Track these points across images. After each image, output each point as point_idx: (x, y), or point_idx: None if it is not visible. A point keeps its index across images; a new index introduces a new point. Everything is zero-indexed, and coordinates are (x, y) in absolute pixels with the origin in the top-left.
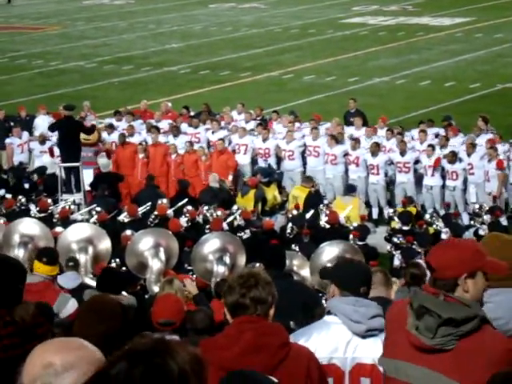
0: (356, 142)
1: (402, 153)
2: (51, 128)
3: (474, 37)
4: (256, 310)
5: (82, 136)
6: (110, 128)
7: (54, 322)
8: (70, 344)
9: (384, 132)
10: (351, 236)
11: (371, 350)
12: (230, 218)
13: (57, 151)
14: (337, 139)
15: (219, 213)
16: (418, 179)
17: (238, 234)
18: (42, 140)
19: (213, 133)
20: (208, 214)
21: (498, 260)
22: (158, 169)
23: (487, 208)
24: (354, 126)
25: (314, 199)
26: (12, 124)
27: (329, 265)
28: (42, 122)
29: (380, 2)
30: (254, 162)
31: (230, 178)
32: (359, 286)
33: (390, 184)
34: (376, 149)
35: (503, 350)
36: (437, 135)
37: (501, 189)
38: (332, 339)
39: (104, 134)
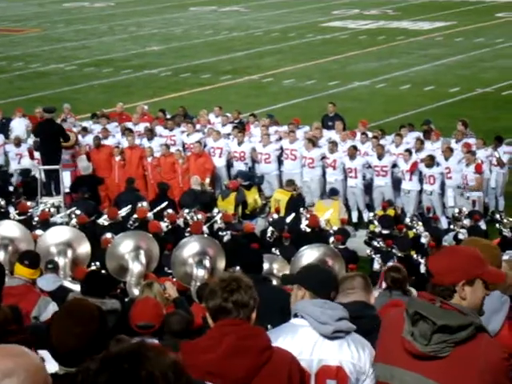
0: (333, 145)
1: (380, 156)
2: (35, 134)
3: (454, 41)
4: (239, 313)
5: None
6: (84, 131)
7: (23, 325)
8: (11, 351)
9: (359, 136)
10: (332, 239)
11: (337, 352)
12: (211, 221)
13: (36, 153)
14: (314, 142)
15: (199, 216)
16: (396, 183)
17: (220, 234)
18: (18, 143)
19: (188, 135)
20: (188, 217)
21: (498, 269)
22: (134, 171)
23: (466, 212)
24: (335, 130)
25: (297, 202)
26: None
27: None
28: (18, 125)
29: (360, 6)
30: (229, 165)
31: (208, 180)
32: (331, 291)
33: (368, 187)
34: (354, 152)
35: (498, 359)
36: (418, 139)
37: (478, 189)
38: (298, 341)
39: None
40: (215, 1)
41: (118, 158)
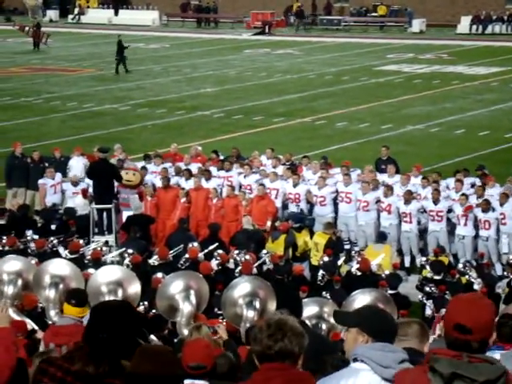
0: (388, 188)
1: (436, 201)
2: (89, 175)
3: (510, 86)
4: (283, 360)
5: (125, 177)
6: (143, 170)
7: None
8: None
9: (418, 180)
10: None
11: None
12: (259, 262)
13: (90, 192)
14: (370, 185)
15: (248, 256)
16: (452, 228)
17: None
18: (75, 182)
19: (245, 177)
20: (238, 258)
21: None
22: (200, 213)
23: None
24: (387, 174)
25: (334, 245)
26: (46, 165)
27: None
28: (76, 164)
29: (415, 50)
30: (284, 206)
31: (269, 223)
32: (394, 337)
33: (423, 232)
34: (409, 196)
35: None
36: (473, 185)
37: None
38: None
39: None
40: (269, 43)
41: (183, 200)
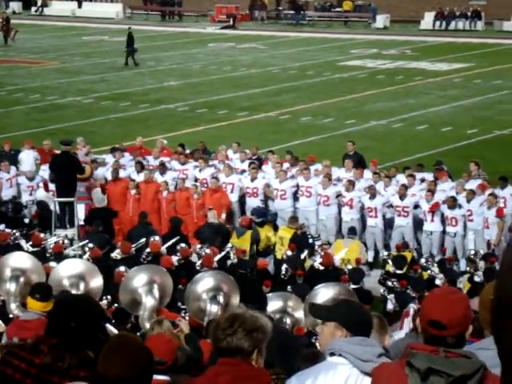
0: (350, 183)
1: (402, 197)
2: (51, 168)
3: (473, 83)
4: (234, 356)
5: None
6: (95, 163)
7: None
8: None
9: (371, 175)
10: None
11: None
12: (222, 254)
13: (51, 185)
14: (330, 179)
15: (208, 250)
16: (418, 224)
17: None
18: (31, 177)
19: (200, 170)
20: (202, 253)
21: None
22: (149, 205)
23: (482, 254)
24: (345, 169)
25: (299, 240)
26: None
27: (325, 304)
28: (27, 157)
29: (379, 45)
30: (242, 200)
31: (224, 216)
32: (370, 331)
33: (388, 227)
34: (374, 191)
35: None
36: (423, 180)
37: (500, 237)
38: (339, 380)
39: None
40: (234, 37)
41: (133, 192)
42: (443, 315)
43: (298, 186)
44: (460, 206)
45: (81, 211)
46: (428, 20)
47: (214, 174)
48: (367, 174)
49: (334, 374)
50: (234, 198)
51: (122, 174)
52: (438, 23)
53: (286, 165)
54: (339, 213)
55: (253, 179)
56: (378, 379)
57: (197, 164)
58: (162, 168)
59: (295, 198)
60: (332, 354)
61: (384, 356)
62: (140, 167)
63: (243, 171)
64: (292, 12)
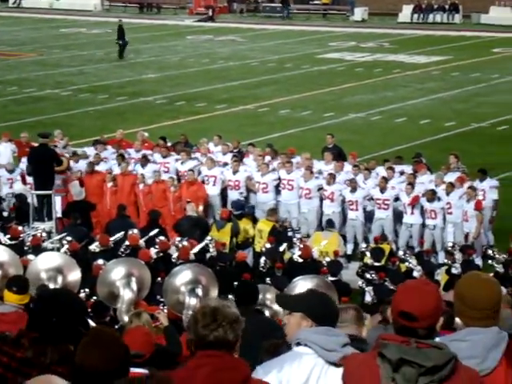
0: (331, 177)
1: (382, 190)
2: (29, 161)
3: (451, 75)
4: (219, 348)
5: None
6: (76, 156)
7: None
8: None
9: (351, 168)
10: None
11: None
12: (200, 246)
13: (29, 178)
14: (312, 172)
15: (185, 243)
16: (398, 216)
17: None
18: (10, 169)
19: (182, 163)
20: (180, 245)
21: None
22: (126, 198)
23: (460, 246)
24: (324, 161)
25: (278, 233)
26: None
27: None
28: (4, 150)
29: (357, 38)
30: (224, 193)
31: (201, 208)
32: (336, 322)
33: (368, 220)
34: (355, 185)
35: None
36: (402, 173)
37: (479, 230)
38: (304, 369)
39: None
40: (212, 30)
41: (110, 185)
42: (414, 307)
43: (279, 179)
44: (439, 199)
45: (58, 204)
46: (406, 13)
47: (197, 167)
48: (347, 166)
49: (300, 364)
50: (216, 190)
51: (104, 166)
52: (416, 16)
53: (267, 158)
54: (321, 206)
55: (235, 172)
56: (349, 369)
57: (178, 157)
58: (144, 160)
59: (277, 191)
60: (298, 344)
61: (349, 346)
62: (122, 160)
63: (225, 164)
64: (271, 5)
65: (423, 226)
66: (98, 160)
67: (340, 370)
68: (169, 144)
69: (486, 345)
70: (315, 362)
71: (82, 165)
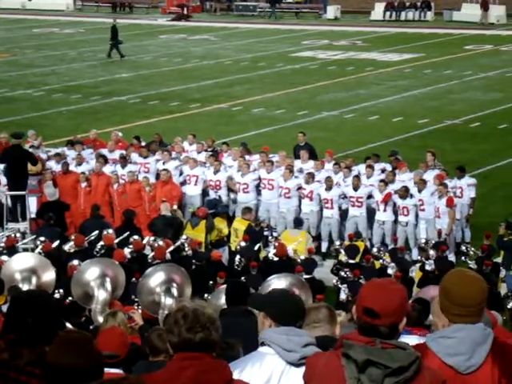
0: (310, 175)
1: (356, 188)
2: (2, 161)
3: (423, 73)
4: (202, 350)
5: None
6: (58, 156)
7: None
8: None
9: (331, 166)
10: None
11: None
12: (175, 245)
13: (2, 179)
14: (292, 172)
15: (161, 242)
16: (371, 214)
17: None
18: None
19: (164, 163)
20: (155, 245)
21: None
22: (100, 198)
23: (433, 243)
24: (301, 160)
25: (253, 232)
26: None
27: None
28: None
29: (330, 36)
30: (204, 193)
31: (175, 207)
32: (297, 321)
33: (343, 217)
34: (331, 183)
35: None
36: (383, 170)
37: (451, 226)
38: (266, 370)
39: (52, 163)
40: (185, 29)
41: (83, 185)
42: (377, 303)
43: (260, 178)
44: (411, 196)
45: (32, 204)
46: (378, 11)
47: (179, 167)
48: (328, 165)
49: (261, 364)
50: (197, 190)
51: (86, 167)
52: (388, 14)
53: (246, 157)
54: (299, 205)
55: (216, 172)
56: (311, 370)
57: (158, 157)
58: (123, 161)
59: (258, 191)
60: (262, 344)
61: (312, 346)
62: (104, 161)
63: (203, 163)
64: (243, 3)
65: (395, 222)
66: (80, 161)
67: (301, 370)
68: (143, 143)
69: (472, 341)
70: (276, 362)
71: (54, 165)
